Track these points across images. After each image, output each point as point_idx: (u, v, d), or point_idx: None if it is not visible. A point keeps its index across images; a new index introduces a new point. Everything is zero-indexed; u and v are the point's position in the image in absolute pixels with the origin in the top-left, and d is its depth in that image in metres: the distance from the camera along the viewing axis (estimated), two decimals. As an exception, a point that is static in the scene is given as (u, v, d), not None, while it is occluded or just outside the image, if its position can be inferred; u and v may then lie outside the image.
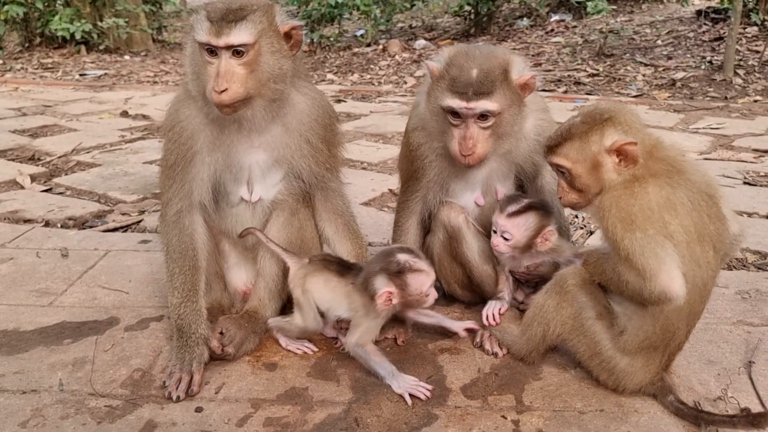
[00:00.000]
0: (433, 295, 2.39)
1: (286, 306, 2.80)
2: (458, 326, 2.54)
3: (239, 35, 2.26)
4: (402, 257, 2.34)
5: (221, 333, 2.50)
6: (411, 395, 2.22)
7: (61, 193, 4.61)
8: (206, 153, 2.48)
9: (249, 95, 2.33)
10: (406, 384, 2.25)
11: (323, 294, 2.45)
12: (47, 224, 3.98)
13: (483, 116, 2.39)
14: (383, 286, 2.31)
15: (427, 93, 2.52)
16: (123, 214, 4.16)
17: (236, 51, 2.28)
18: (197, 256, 2.53)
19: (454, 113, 2.41)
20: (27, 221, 4.03)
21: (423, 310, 2.52)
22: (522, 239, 2.52)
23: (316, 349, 2.51)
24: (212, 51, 2.30)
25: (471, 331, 2.55)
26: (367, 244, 2.82)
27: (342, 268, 2.47)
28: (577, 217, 4.05)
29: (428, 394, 2.23)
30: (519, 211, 2.50)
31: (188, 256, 2.51)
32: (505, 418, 2.12)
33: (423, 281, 2.34)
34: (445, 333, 2.60)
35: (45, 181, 4.87)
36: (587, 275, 2.20)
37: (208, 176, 2.51)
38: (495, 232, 2.55)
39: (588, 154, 2.06)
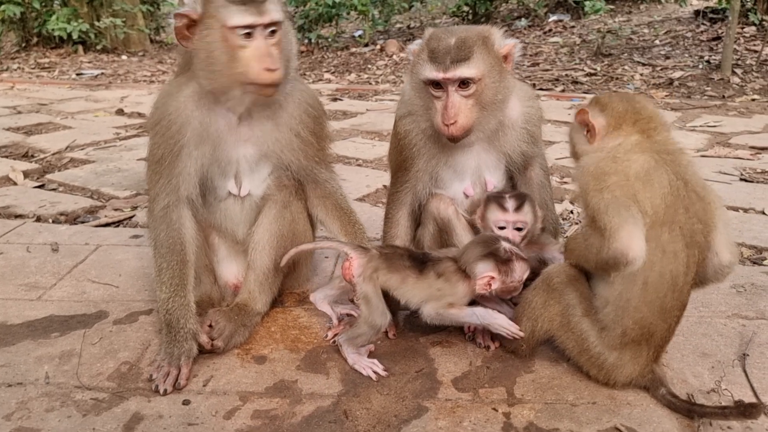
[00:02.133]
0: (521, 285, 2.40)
1: (277, 300, 2.78)
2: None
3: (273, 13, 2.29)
4: (507, 245, 2.36)
5: (210, 326, 2.47)
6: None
7: (53, 189, 4.58)
8: (193, 146, 2.45)
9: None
10: (498, 320, 2.28)
11: (402, 292, 2.36)
12: (38, 219, 3.96)
13: (464, 84, 2.37)
14: (487, 270, 2.31)
15: (410, 73, 2.52)
16: (115, 209, 4.14)
17: None
18: (185, 250, 2.50)
19: (435, 84, 2.39)
20: (18, 216, 4.00)
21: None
22: (532, 224, 2.55)
23: (385, 374, 2.30)
24: (248, 34, 2.29)
25: None
26: (359, 221, 2.78)
27: (416, 262, 2.38)
28: (572, 212, 4.04)
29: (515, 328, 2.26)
30: (521, 203, 2.53)
31: (176, 251, 2.48)
32: (496, 411, 2.09)
33: (525, 269, 2.36)
34: (437, 327, 2.57)
35: (38, 178, 4.84)
36: (573, 272, 2.19)
37: (195, 170, 2.48)
38: (503, 228, 2.53)
39: (569, 138, 2.29)
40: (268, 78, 2.30)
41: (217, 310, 2.57)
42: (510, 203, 2.53)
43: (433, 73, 2.35)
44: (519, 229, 2.53)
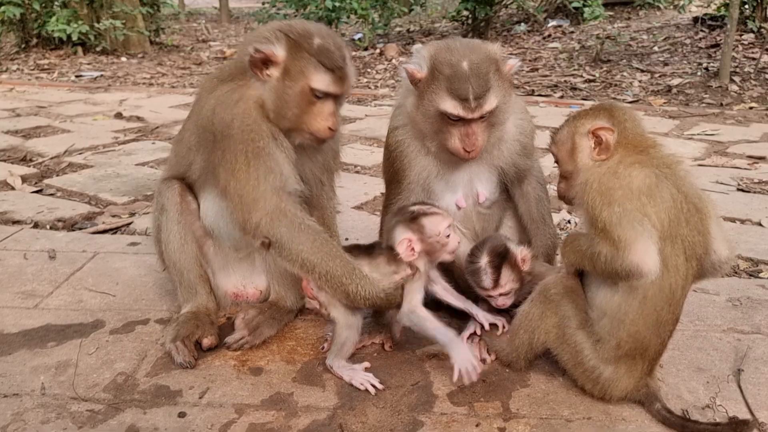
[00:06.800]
0: (455, 238, 2.42)
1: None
2: (483, 317, 2.50)
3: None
4: (415, 207, 2.43)
5: (242, 318, 2.59)
6: (461, 375, 2.18)
7: (51, 195, 4.57)
8: None
9: None
10: (464, 356, 2.21)
11: None
12: (36, 225, 3.95)
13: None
14: (401, 235, 2.38)
15: (418, 96, 2.46)
16: (113, 216, 4.13)
17: None
18: None
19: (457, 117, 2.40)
20: (15, 222, 4.00)
21: (452, 291, 2.55)
22: (516, 283, 2.49)
23: (382, 387, 2.29)
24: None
25: (493, 327, 2.50)
26: (339, 237, 2.84)
27: (369, 249, 2.47)
28: (569, 222, 4.04)
29: (476, 376, 2.21)
30: (498, 275, 2.45)
31: None
32: (491, 426, 2.10)
33: (437, 222, 2.38)
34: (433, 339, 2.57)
35: (36, 182, 4.83)
36: (570, 283, 2.20)
37: None
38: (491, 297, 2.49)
39: (570, 135, 2.19)
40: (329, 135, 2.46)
41: (251, 304, 2.70)
42: (486, 281, 2.46)
43: (458, 110, 2.35)
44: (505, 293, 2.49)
